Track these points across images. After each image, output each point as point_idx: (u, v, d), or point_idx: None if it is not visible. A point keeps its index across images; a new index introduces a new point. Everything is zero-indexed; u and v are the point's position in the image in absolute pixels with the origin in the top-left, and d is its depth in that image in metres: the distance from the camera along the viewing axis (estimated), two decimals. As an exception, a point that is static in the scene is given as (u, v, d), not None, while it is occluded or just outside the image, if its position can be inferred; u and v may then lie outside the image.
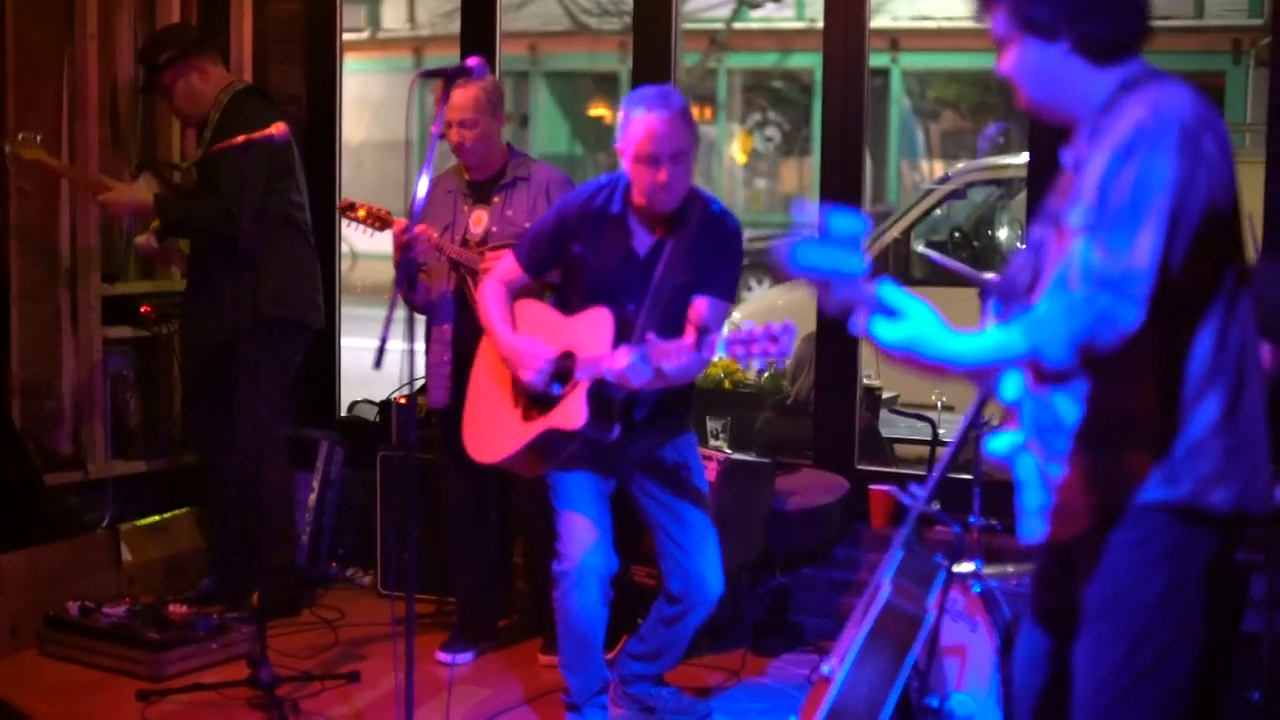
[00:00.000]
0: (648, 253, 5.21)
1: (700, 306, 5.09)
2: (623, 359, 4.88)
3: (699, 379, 5.54)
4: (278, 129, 5.90)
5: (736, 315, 5.40)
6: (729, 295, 5.22)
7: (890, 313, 2.98)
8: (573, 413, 5.08)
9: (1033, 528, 3.36)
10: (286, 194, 6.66)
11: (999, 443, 3.36)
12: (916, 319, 2.99)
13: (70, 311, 7.04)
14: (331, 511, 7.51)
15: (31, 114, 6.85)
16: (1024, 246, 3.32)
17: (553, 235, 5.35)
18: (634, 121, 5.05)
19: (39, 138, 6.63)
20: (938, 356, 3.00)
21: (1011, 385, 3.31)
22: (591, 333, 5.13)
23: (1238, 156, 3.18)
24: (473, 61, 5.04)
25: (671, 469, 5.36)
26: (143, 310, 7.25)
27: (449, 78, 5.10)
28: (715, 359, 4.90)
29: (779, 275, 2.85)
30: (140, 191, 6.68)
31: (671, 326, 5.02)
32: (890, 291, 2.96)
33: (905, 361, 3.00)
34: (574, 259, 5.31)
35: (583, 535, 5.24)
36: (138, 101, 7.31)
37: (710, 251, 5.18)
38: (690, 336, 4.73)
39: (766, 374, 8.11)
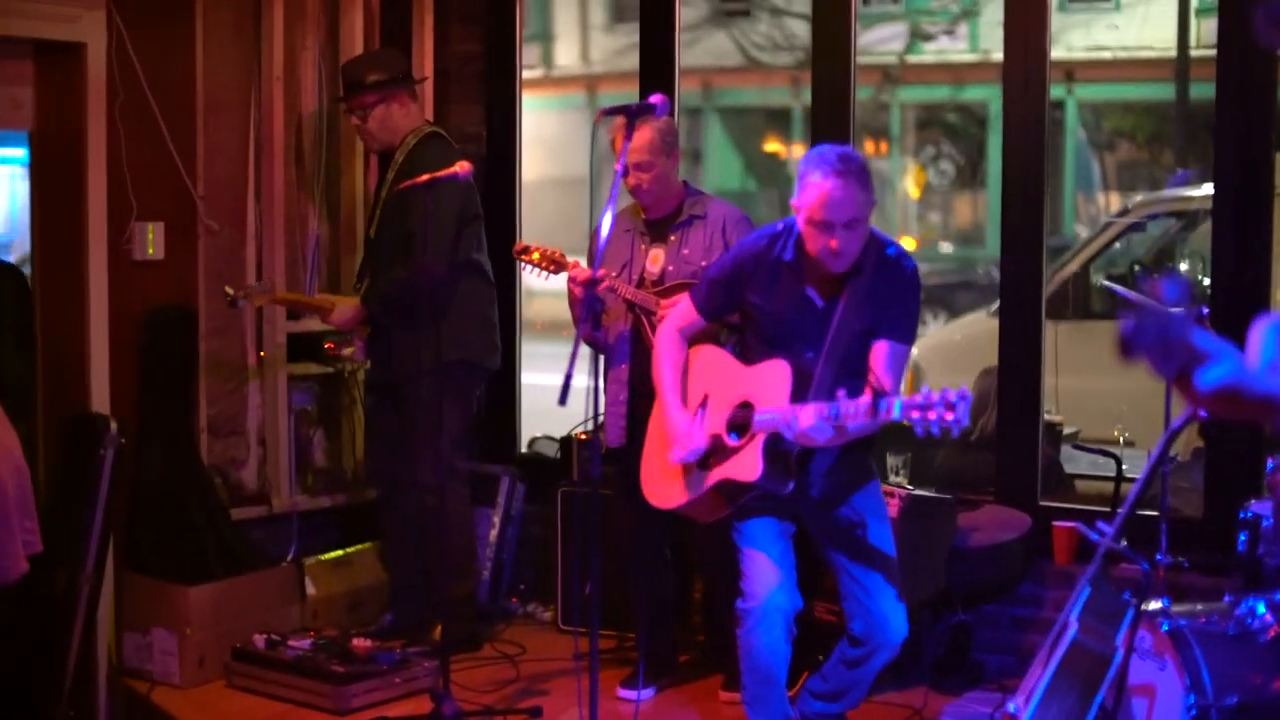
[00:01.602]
0: (825, 301, 5.14)
1: (880, 352, 5.02)
2: (809, 417, 4.80)
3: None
4: (462, 167, 5.97)
5: (915, 351, 5.31)
6: (908, 339, 5.14)
7: (1206, 358, 2.81)
8: (749, 465, 5.02)
9: None
10: (473, 239, 6.73)
11: None
12: (1234, 360, 2.78)
13: (256, 349, 7.18)
14: (512, 547, 7.54)
15: (219, 156, 7.00)
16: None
17: (729, 282, 5.30)
18: (810, 184, 4.96)
19: (261, 282, 6.93)
20: (1264, 393, 2.79)
21: None
22: (770, 383, 5.06)
23: None
24: (656, 99, 5.05)
25: (853, 510, 5.29)
26: (326, 347, 7.31)
27: (631, 115, 5.12)
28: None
29: (1123, 354, 2.61)
30: (356, 303, 6.80)
31: (850, 373, 4.95)
32: (1204, 337, 2.81)
33: (1229, 404, 2.79)
34: (750, 307, 5.25)
35: (767, 574, 5.17)
36: (322, 143, 7.43)
37: (888, 296, 5.08)
38: (867, 398, 4.64)
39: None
